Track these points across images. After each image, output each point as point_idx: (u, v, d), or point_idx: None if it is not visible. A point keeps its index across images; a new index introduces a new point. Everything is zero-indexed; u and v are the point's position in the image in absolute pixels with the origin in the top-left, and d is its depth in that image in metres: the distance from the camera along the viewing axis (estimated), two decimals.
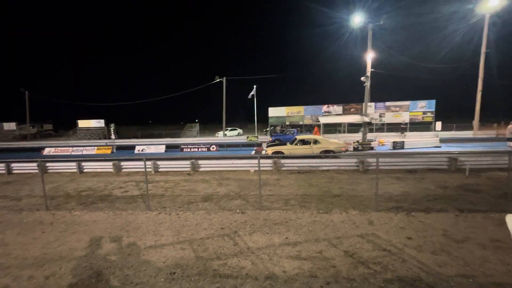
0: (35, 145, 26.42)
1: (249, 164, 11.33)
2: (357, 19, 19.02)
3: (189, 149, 21.12)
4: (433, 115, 29.11)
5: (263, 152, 15.96)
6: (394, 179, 8.81)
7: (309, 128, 31.33)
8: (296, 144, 13.22)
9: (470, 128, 25.51)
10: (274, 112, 32.98)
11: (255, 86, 31.75)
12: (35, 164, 12.07)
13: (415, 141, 18.69)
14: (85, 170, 12.08)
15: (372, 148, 17.65)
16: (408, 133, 25.47)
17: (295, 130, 24.10)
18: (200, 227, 5.43)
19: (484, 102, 24.13)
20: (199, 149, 20.99)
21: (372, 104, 29.47)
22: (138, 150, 21.51)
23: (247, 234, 5.04)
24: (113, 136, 23.37)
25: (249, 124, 41.10)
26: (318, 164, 10.81)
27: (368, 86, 19.31)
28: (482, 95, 23.94)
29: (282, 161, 11.06)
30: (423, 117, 29.42)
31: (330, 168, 10.69)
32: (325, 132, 24.08)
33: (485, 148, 16.59)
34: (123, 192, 8.47)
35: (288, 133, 22.45)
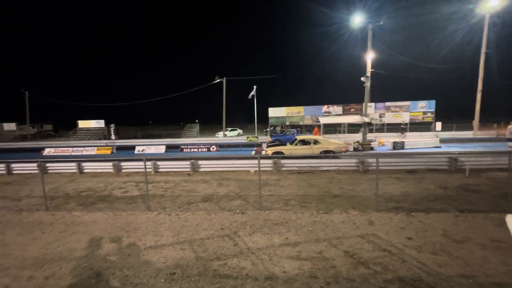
0: (35, 146, 26.43)
1: (249, 165, 11.33)
2: (357, 19, 19.05)
3: (189, 150, 21.12)
4: (433, 115, 29.12)
5: (263, 152, 15.96)
6: (394, 179, 8.80)
7: (309, 129, 31.34)
8: (296, 145, 13.22)
9: (470, 128, 25.51)
10: (274, 112, 33.00)
11: (255, 87, 31.78)
12: (35, 164, 12.07)
13: (415, 141, 18.69)
14: (85, 171, 12.08)
15: (372, 149, 17.64)
16: (408, 134, 25.48)
17: (295, 130, 24.10)
18: (200, 228, 5.43)
19: (484, 102, 24.16)
20: (199, 150, 21.00)
21: (372, 104, 29.48)
22: (138, 151, 21.51)
23: (247, 234, 5.03)
24: (113, 137, 23.39)
25: (249, 124, 41.15)
26: (318, 165, 10.81)
27: (368, 86, 19.32)
28: (482, 95, 23.95)
29: (282, 161, 11.06)
30: (423, 117, 29.44)
31: (330, 168, 10.69)
32: (325, 132, 24.08)
33: (485, 148, 16.59)
34: (123, 192, 8.47)
35: (288, 133, 22.44)
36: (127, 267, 4.03)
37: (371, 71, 19.73)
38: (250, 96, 32.09)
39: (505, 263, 3.75)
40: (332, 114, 31.46)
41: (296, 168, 10.90)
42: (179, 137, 32.47)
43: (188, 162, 11.45)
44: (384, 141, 19.42)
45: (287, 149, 13.14)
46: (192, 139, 29.56)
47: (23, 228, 5.81)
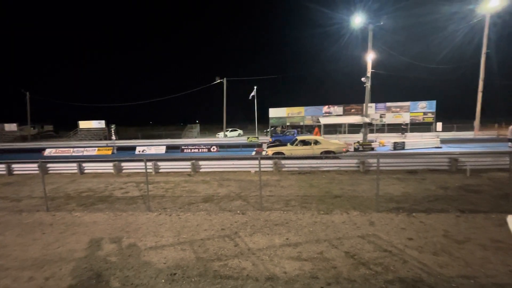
0: (36, 146, 26.47)
1: (249, 165, 11.32)
2: (357, 19, 19.02)
3: (189, 150, 21.14)
4: (433, 115, 29.11)
5: (264, 152, 15.96)
6: (395, 179, 8.79)
7: (309, 129, 31.34)
8: (296, 145, 13.21)
9: (471, 128, 25.49)
10: (274, 112, 33.02)
11: (255, 87, 31.81)
12: (35, 165, 12.08)
13: (416, 141, 18.69)
14: (85, 171, 12.09)
15: (372, 149, 17.63)
16: (408, 134, 25.46)
17: (295, 131, 24.10)
18: (200, 228, 5.42)
19: (484, 103, 24.13)
20: (200, 150, 21.01)
21: (373, 104, 29.48)
22: (139, 151, 21.53)
23: (247, 235, 5.03)
24: (113, 137, 23.43)
25: (250, 124, 41.14)
26: (318, 165, 10.80)
27: (369, 86, 19.31)
28: (483, 95, 23.91)
29: (283, 161, 11.05)
30: (423, 117, 29.43)
31: (331, 168, 10.68)
32: (326, 132, 24.07)
33: (486, 149, 16.57)
34: (124, 193, 8.47)
35: (288, 134, 22.44)
36: (127, 268, 4.03)
37: (372, 72, 19.71)
38: (250, 97, 32.13)
39: (506, 264, 3.74)
40: (333, 114, 31.47)
41: (297, 169, 10.90)
42: (180, 137, 32.50)
43: (188, 163, 11.45)
44: (384, 141, 19.41)
45: (287, 149, 13.14)
46: (193, 140, 29.58)
47: (23, 228, 5.81)
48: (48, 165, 12.43)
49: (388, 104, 30.16)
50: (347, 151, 13.69)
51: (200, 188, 8.65)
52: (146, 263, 4.13)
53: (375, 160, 10.27)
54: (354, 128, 29.34)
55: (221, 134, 33.20)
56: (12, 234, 5.54)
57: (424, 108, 29.29)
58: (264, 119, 35.64)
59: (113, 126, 23.55)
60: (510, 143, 15.31)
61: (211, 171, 11.35)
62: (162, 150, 21.45)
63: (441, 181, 8.36)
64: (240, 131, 35.40)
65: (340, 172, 10.31)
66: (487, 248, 4.19)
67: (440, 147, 17.63)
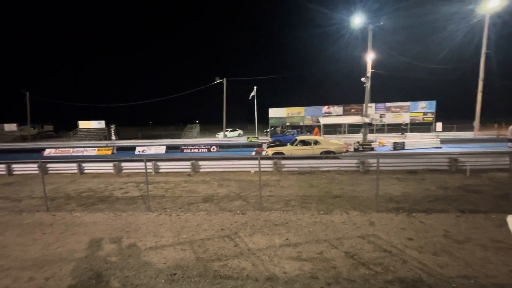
0: (36, 146, 26.46)
1: (249, 165, 11.33)
2: (357, 20, 19.03)
3: (189, 150, 21.13)
4: (433, 115, 29.12)
5: (264, 153, 15.96)
6: (394, 179, 8.79)
7: (309, 129, 31.34)
8: (296, 145, 13.22)
9: (471, 128, 25.49)
10: (274, 113, 33.02)
11: (255, 87, 31.81)
12: (35, 165, 12.08)
13: (416, 141, 18.69)
14: (85, 171, 12.09)
15: (372, 149, 17.64)
16: (408, 134, 25.47)
17: (295, 131, 24.11)
18: (200, 228, 5.42)
19: (484, 103, 24.14)
20: (200, 150, 21.01)
21: (373, 104, 29.48)
22: (139, 151, 21.53)
23: (247, 235, 5.03)
24: (113, 137, 23.44)
25: (250, 125, 41.15)
26: (318, 165, 10.80)
27: (369, 86, 19.32)
28: (482, 95, 23.92)
29: (283, 162, 11.05)
30: (423, 117, 29.43)
31: (331, 169, 10.68)
32: (326, 133, 24.09)
33: (485, 149, 16.57)
34: (124, 193, 8.47)
35: (288, 134, 22.45)
36: (127, 268, 4.03)
37: (372, 72, 19.71)
38: (250, 97, 32.14)
39: (506, 264, 3.74)
40: (333, 114, 31.47)
41: (297, 169, 10.90)
42: (180, 137, 32.50)
43: (188, 163, 11.45)
44: (384, 141, 19.41)
45: (287, 149, 13.14)
46: (193, 140, 29.58)
47: (24, 229, 5.81)
48: (48, 165, 12.43)
49: (388, 104, 30.17)
50: (347, 151, 13.69)
51: (200, 188, 8.65)
52: (146, 263, 4.14)
53: (375, 160, 10.27)
54: (354, 128, 29.35)
55: (221, 134, 33.19)
56: (13, 234, 5.54)
57: (424, 108, 29.30)
58: (264, 119, 35.64)
59: (113, 126, 23.57)
60: (510, 143, 15.32)
61: (211, 171, 11.35)
62: (162, 150, 21.45)
63: (441, 181, 8.36)
64: (240, 131, 35.40)
65: (340, 172, 10.31)
66: (487, 248, 4.19)
67: (440, 147, 17.64)
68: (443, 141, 19.14)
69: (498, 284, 3.33)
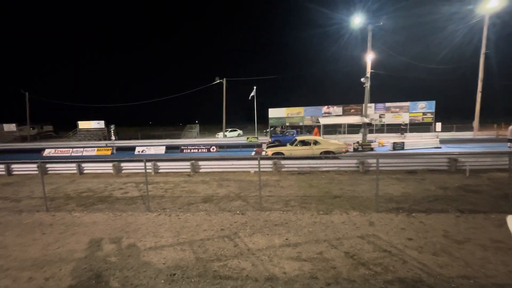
0: (35, 146, 26.45)
1: (249, 165, 11.32)
2: (357, 20, 19.03)
3: (189, 150, 21.12)
4: (433, 116, 29.13)
5: (263, 153, 15.97)
6: (394, 180, 8.80)
7: (309, 129, 31.34)
8: (296, 145, 13.22)
9: (470, 129, 25.52)
10: (274, 113, 33.01)
11: (255, 87, 31.83)
12: (35, 165, 12.07)
13: (415, 142, 18.69)
14: (85, 171, 12.08)
15: (372, 149, 17.65)
16: (408, 134, 25.49)
17: (295, 131, 24.13)
18: (200, 228, 5.42)
19: (484, 103, 24.18)
20: (199, 150, 20.99)
21: (372, 105, 29.49)
22: (138, 151, 21.51)
23: (247, 235, 5.03)
24: (113, 137, 23.43)
25: (249, 125, 41.16)
26: (318, 165, 10.80)
27: (368, 87, 19.33)
28: (482, 95, 23.96)
29: (282, 162, 11.05)
30: (423, 118, 29.44)
31: (330, 169, 10.69)
32: (325, 133, 24.10)
33: (485, 149, 16.59)
34: (123, 193, 8.46)
35: (287, 134, 22.46)
36: (127, 268, 4.02)
37: (371, 72, 19.72)
38: (250, 97, 32.16)
39: (505, 264, 3.75)
40: (332, 114, 31.47)
41: (296, 169, 10.90)
42: (179, 137, 32.50)
43: (188, 163, 11.44)
44: (384, 141, 19.42)
45: (287, 149, 13.14)
46: (192, 140, 29.58)
47: (23, 229, 5.81)
48: (48, 165, 12.41)
49: (388, 104, 30.18)
50: (347, 151, 13.70)
51: (199, 189, 8.65)
52: (146, 264, 4.13)
53: (374, 160, 10.27)
54: (353, 128, 29.36)
55: (220, 134, 33.18)
56: (12, 234, 5.54)
57: (423, 108, 29.31)
58: (263, 119, 35.63)
59: (112, 126, 23.56)
60: (509, 143, 15.32)
61: (210, 171, 11.35)
62: (161, 150, 21.44)
63: (441, 181, 8.37)
64: (239, 131, 35.40)
65: (339, 172, 10.31)
66: (487, 249, 4.19)
67: (440, 147, 17.65)
68: (443, 141, 19.15)
69: (498, 284, 3.33)
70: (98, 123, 36.36)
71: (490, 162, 9.94)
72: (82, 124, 36.69)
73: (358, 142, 18.07)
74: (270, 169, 10.92)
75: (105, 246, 4.82)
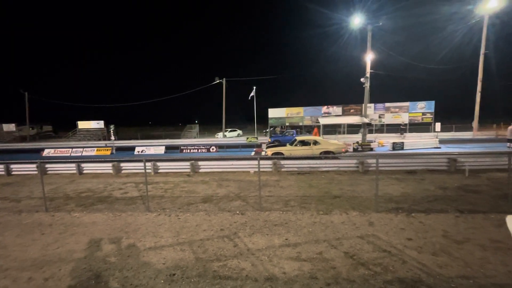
0: (35, 147, 26.41)
1: (248, 165, 11.33)
2: (356, 20, 19.04)
3: (188, 150, 21.11)
4: (432, 116, 29.15)
5: (263, 153, 15.97)
6: (394, 180, 8.80)
7: (308, 129, 31.36)
8: (295, 145, 13.22)
9: (470, 129, 25.54)
10: (273, 113, 33.01)
11: (254, 87, 31.84)
12: (34, 165, 12.05)
13: (415, 142, 18.71)
14: (84, 171, 12.06)
15: (371, 149, 17.66)
16: (407, 134, 25.51)
17: (294, 131, 24.14)
18: (199, 229, 5.42)
19: (483, 103, 24.21)
20: (199, 150, 20.98)
21: (372, 105, 29.50)
22: (138, 151, 21.50)
23: (247, 235, 5.03)
24: (112, 137, 23.41)
25: (249, 125, 41.14)
26: (318, 165, 10.80)
27: (368, 87, 19.34)
28: (481, 96, 23.98)
29: (282, 162, 11.05)
30: (422, 118, 29.46)
31: (330, 169, 10.69)
32: (325, 133, 24.12)
33: (484, 149, 16.61)
34: (123, 193, 8.46)
35: (287, 134, 22.46)
36: (126, 268, 4.02)
37: (371, 72, 19.74)
38: (250, 97, 32.17)
39: (505, 264, 3.75)
40: (332, 114, 31.48)
41: (296, 169, 10.90)
42: (179, 138, 32.48)
43: (187, 163, 11.44)
44: (383, 141, 19.43)
45: (286, 149, 13.14)
46: (192, 140, 29.57)
47: (23, 229, 5.80)
48: (47, 165, 12.40)
49: (387, 104, 30.19)
50: (346, 151, 13.71)
51: (199, 189, 8.65)
52: (146, 264, 4.13)
53: (374, 161, 10.28)
54: (353, 129, 29.39)
55: (220, 134, 33.17)
56: (12, 234, 5.53)
57: (423, 109, 29.33)
58: (263, 120, 35.62)
59: (112, 126, 23.54)
60: (509, 143, 15.34)
61: (210, 172, 11.35)
62: (161, 150, 21.43)
63: (440, 181, 8.37)
64: (239, 131, 35.39)
65: (339, 173, 10.32)
66: (486, 249, 4.20)
67: (439, 147, 17.66)
68: (442, 141, 19.17)
69: (497, 284, 3.33)
70: (98, 123, 36.32)
71: (490, 162, 9.95)
72: (82, 124, 36.65)
73: (357, 142, 18.08)
74: (270, 169, 10.92)
75: (105, 246, 4.82)
